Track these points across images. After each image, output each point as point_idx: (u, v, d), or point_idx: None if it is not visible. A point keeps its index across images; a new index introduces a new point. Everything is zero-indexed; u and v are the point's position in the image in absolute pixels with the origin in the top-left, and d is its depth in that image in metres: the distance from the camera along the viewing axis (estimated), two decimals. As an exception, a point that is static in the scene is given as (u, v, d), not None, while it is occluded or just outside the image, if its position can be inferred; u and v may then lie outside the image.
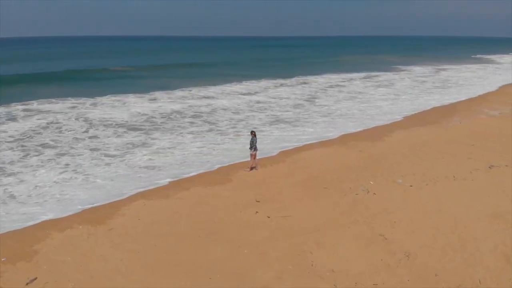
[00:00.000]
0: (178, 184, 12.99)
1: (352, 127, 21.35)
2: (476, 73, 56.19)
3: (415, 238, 9.48)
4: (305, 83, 41.86)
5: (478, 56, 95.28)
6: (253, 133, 13.82)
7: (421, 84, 41.89)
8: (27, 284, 7.57)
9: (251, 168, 13.77)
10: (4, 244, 9.07)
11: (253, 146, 13.48)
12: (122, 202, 11.62)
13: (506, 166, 14.17)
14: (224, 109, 26.44)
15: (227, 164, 14.96)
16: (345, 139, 18.53)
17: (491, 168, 13.98)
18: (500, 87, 38.77)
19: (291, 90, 36.36)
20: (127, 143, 18.04)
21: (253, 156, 13.63)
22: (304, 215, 10.64)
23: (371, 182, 12.84)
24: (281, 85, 39.90)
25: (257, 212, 10.67)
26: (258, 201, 11.36)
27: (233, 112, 25.67)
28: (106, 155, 16.16)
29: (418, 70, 60.14)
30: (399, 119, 23.49)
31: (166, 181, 13.37)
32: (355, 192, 12.04)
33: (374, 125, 21.88)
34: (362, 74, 50.56)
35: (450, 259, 8.54)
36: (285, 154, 16.03)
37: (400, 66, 63.67)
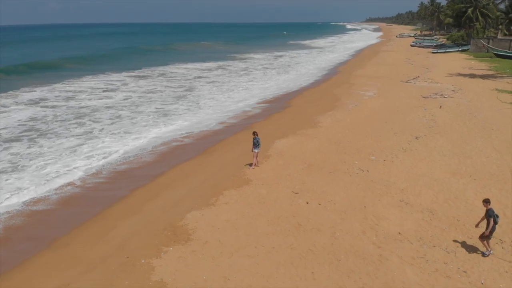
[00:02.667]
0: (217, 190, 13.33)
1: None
2: (310, 55, 67.64)
3: (424, 196, 12.90)
4: (163, 74, 43.67)
5: (292, 42, 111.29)
6: (255, 133, 14.97)
7: (277, 69, 48.32)
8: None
9: (253, 165, 14.98)
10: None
11: (258, 145, 14.69)
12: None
13: (425, 135, 19.27)
14: (98, 110, 26.75)
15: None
16: (288, 128, 21.05)
17: (418, 139, 18.80)
18: (338, 67, 48.04)
19: (157, 82, 38.41)
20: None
21: (256, 155, 14.85)
22: (340, 197, 12.79)
23: (356, 162, 15.85)
24: (141, 77, 41.32)
25: (307, 202, 12.30)
26: (297, 193, 12.93)
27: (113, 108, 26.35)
28: None
29: (259, 57, 67.59)
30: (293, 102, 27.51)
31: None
32: (355, 172, 14.81)
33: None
34: (214, 64, 54.86)
35: (450, 207, 12.22)
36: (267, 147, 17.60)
37: (236, 55, 69.88)
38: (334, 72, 45.10)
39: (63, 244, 11.28)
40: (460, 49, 62.91)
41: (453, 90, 30.53)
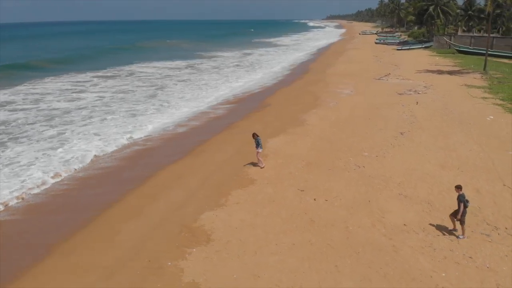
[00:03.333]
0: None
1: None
2: (277, 53, 68.95)
3: (420, 189, 13.81)
4: (132, 74, 43.58)
5: (258, 40, 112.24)
6: (255, 135, 15.37)
7: (246, 68, 48.77)
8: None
9: (262, 165, 15.43)
10: None
11: (259, 145, 15.13)
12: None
13: (409, 131, 20.38)
14: (69, 112, 26.54)
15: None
16: (276, 127, 21.59)
17: (403, 135, 19.86)
18: (309, 65, 49.25)
19: (127, 82, 38.50)
20: None
21: (259, 154, 15.30)
22: (343, 193, 13.47)
23: (351, 158, 16.62)
24: (109, 77, 41.13)
25: (315, 199, 12.88)
26: (302, 190, 13.48)
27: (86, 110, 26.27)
28: None
29: (228, 55, 68.03)
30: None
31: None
32: (352, 168, 15.56)
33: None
34: (183, 62, 54.95)
35: (445, 198, 13.18)
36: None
37: (205, 53, 69.95)
38: (306, 70, 46.04)
39: (67, 250, 11.23)
40: (423, 46, 65.80)
41: (425, 87, 32.13)
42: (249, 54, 69.63)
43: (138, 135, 21.55)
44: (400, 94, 29.73)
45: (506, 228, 11.50)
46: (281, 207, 12.34)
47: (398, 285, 8.83)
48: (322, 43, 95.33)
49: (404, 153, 17.26)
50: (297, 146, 18.07)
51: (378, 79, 36.96)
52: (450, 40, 61.14)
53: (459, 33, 68.55)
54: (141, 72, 46.24)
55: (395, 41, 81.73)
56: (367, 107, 25.81)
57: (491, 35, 59.65)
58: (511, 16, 71.63)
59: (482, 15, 72.72)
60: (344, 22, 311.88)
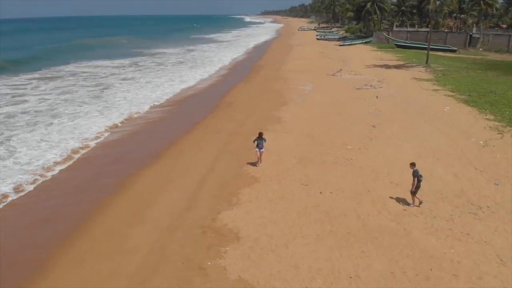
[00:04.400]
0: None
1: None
2: (221, 49, 69.84)
3: (407, 177, 15.31)
4: (74, 74, 42.61)
5: (200, 36, 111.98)
6: (261, 134, 15.95)
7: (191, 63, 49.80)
8: None
9: (260, 163, 16.06)
10: None
11: (260, 145, 15.75)
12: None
13: (379, 124, 22.10)
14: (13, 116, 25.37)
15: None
16: (254, 125, 22.33)
17: (375, 127, 21.52)
18: (258, 62, 50.48)
19: (70, 83, 37.31)
20: None
21: (260, 154, 15.93)
22: (343, 185, 14.59)
23: (338, 152, 17.85)
24: (49, 78, 39.90)
25: (321, 192, 13.87)
26: (306, 185, 14.41)
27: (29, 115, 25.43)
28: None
29: (172, 51, 67.67)
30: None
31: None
32: (342, 161, 16.77)
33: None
34: (126, 60, 54.00)
35: (430, 183, 14.90)
36: (250, 145, 18.61)
37: (147, 50, 68.94)
38: (258, 67, 46.97)
39: (77, 260, 11.12)
40: (364, 41, 69.71)
41: (379, 81, 34.51)
42: (192, 50, 69.94)
43: (93, 140, 21.12)
44: (358, 89, 31.71)
45: (488, 207, 13.22)
46: (292, 202, 13.16)
47: (421, 263, 10.03)
48: (263, 38, 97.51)
49: (382, 145, 18.80)
50: (283, 143, 18.96)
51: (332, 75, 38.92)
52: (388, 35, 65.36)
53: (395, 28, 73.33)
54: (84, 72, 44.44)
55: (335, 37, 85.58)
56: (333, 103, 27.34)
57: (425, 29, 64.73)
58: (438, 10, 78.00)
59: (414, 11, 78.47)
60: (279, 17, 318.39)
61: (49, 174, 16.69)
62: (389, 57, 51.33)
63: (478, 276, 9.55)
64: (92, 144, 20.48)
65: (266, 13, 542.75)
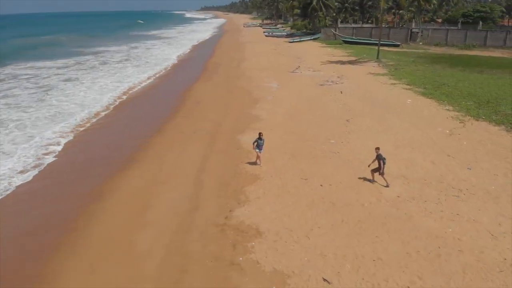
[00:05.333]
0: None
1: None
2: (169, 46, 69.52)
3: (392, 167, 16.75)
4: (15, 77, 40.90)
5: (138, 33, 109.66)
6: (260, 134, 16.42)
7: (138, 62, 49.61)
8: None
9: (260, 162, 16.60)
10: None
11: (260, 146, 16.28)
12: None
13: (352, 118, 23.50)
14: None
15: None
16: (233, 125, 22.87)
17: (349, 121, 22.87)
18: (210, 59, 51.05)
19: (10, 86, 35.96)
20: None
21: (258, 154, 16.47)
22: (339, 177, 15.63)
23: (324, 147, 18.91)
24: None
25: (321, 185, 14.80)
26: (306, 179, 15.27)
27: None
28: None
29: (115, 49, 66.34)
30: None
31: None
32: (330, 155, 17.82)
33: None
34: (69, 60, 52.39)
35: (413, 171, 16.43)
36: (238, 144, 19.19)
37: (89, 49, 66.92)
38: (213, 65, 47.33)
39: (87, 270, 11.06)
40: (312, 38, 72.01)
41: (338, 77, 36.21)
42: (136, 47, 69.90)
43: (56, 145, 20.72)
44: (321, 85, 33.14)
45: (467, 189, 14.81)
46: (298, 195, 13.96)
47: (429, 242, 11.24)
48: (208, 35, 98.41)
49: (361, 137, 20.12)
50: (270, 141, 19.55)
51: (292, 72, 40.17)
52: (335, 32, 68.12)
53: (340, 24, 76.46)
54: (25, 74, 42.24)
55: (283, 33, 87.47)
56: (303, 99, 28.46)
57: (369, 25, 68.18)
58: (376, 6, 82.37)
59: (356, 7, 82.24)
60: (220, 13, 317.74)
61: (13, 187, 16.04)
62: (340, 53, 53.63)
63: (479, 250, 10.90)
64: (54, 150, 19.91)
65: (205, 9, 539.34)
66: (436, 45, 62.88)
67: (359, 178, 15.49)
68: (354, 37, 64.81)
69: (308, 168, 16.32)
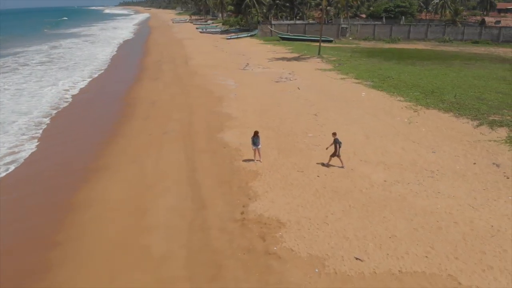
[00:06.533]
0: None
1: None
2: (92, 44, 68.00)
3: (370, 154, 18.58)
4: None
5: (57, 31, 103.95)
6: (256, 132, 17.08)
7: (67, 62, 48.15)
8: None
9: (259, 159, 17.38)
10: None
11: (256, 143, 17.05)
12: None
13: (318, 112, 25.12)
14: None
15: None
16: (209, 125, 23.43)
17: (317, 115, 24.47)
18: (145, 58, 50.55)
19: None
20: None
21: (257, 150, 17.20)
22: (329, 168, 17.07)
23: (305, 140, 20.24)
24: None
25: (318, 176, 16.10)
26: (302, 171, 16.47)
27: None
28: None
29: (35, 49, 63.06)
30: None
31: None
32: (314, 148, 19.13)
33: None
34: None
35: (388, 157, 18.43)
36: (223, 143, 19.82)
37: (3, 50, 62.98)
38: (154, 63, 46.91)
39: (108, 277, 11.21)
40: (249, 34, 73.39)
41: (289, 74, 37.85)
42: (57, 47, 67.35)
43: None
44: (277, 82, 34.52)
45: (437, 170, 16.94)
46: (302, 187, 15.10)
47: (428, 218, 12.97)
48: (134, 32, 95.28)
49: (335, 129, 21.64)
50: (247, 137, 20.48)
51: (243, 69, 41.14)
52: (272, 28, 70.13)
53: (273, 21, 78.67)
54: None
55: (217, 30, 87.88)
56: (264, 96, 29.58)
57: (302, 22, 71.07)
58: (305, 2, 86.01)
59: (287, 4, 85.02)
60: (141, 8, 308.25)
61: None
62: (281, 49, 55.54)
63: (469, 220, 12.84)
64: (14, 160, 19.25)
65: (125, 4, 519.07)
66: (365, 39, 67.42)
67: (317, 163, 16.99)
68: (290, 34, 67.22)
69: (299, 161, 17.50)
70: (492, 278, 10.13)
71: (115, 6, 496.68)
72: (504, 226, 12.39)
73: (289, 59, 46.41)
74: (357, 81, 33.33)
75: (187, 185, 16.32)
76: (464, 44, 62.31)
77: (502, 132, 20.27)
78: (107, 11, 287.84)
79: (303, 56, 48.31)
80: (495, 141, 19.46)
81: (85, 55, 56.19)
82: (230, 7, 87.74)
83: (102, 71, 44.52)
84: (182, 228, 13.34)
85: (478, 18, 76.41)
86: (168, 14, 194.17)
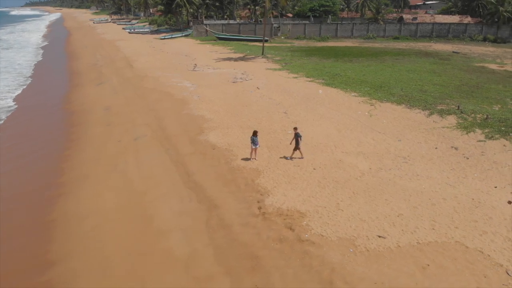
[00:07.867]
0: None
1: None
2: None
3: (347, 146, 20.57)
4: None
5: None
6: (255, 132, 17.86)
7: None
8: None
9: (255, 158, 18.26)
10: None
11: (255, 142, 17.93)
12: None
13: (287, 110, 26.71)
14: None
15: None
16: (186, 128, 23.88)
17: (287, 113, 26.04)
18: (73, 64, 49.08)
19: None
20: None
21: (255, 150, 18.08)
22: (320, 159, 18.63)
23: (288, 137, 21.67)
24: None
25: (314, 168, 17.60)
26: (298, 166, 17.85)
27: None
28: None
29: None
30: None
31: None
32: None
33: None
34: None
35: (364, 147, 20.64)
36: (210, 144, 20.48)
37: None
38: (91, 67, 45.61)
39: (141, 285, 11.83)
40: (184, 34, 73.11)
41: (243, 74, 38.96)
42: None
43: None
44: (234, 82, 35.50)
45: (408, 156, 19.30)
46: (306, 179, 16.47)
47: (421, 197, 15.04)
48: (51, 33, 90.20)
49: (308, 126, 23.39)
50: (236, 138, 21.43)
51: (193, 70, 41.47)
52: (207, 28, 70.63)
53: (205, 21, 79.14)
54: None
55: (146, 30, 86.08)
56: (229, 96, 30.42)
57: (236, 22, 72.41)
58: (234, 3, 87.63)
59: (217, 3, 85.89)
60: (51, 9, 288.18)
61: None
62: (222, 49, 56.41)
63: (453, 196, 15.14)
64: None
65: (31, 4, 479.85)
66: (297, 38, 70.63)
67: (280, 157, 18.58)
68: (227, 34, 68.24)
69: (290, 155, 18.86)
70: (489, 240, 12.34)
71: (21, 6, 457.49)
72: (483, 198, 14.83)
73: (235, 59, 47.49)
74: (309, 79, 35.40)
75: (187, 188, 16.85)
76: (386, 40, 68.12)
77: (452, 120, 23.38)
78: (14, 12, 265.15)
79: (248, 56, 49.65)
80: (447, 127, 22.39)
81: (3, 62, 52.21)
82: (161, 7, 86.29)
83: (30, 78, 42.03)
84: (199, 229, 13.96)
85: (396, 15, 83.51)
86: (84, 14, 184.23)
